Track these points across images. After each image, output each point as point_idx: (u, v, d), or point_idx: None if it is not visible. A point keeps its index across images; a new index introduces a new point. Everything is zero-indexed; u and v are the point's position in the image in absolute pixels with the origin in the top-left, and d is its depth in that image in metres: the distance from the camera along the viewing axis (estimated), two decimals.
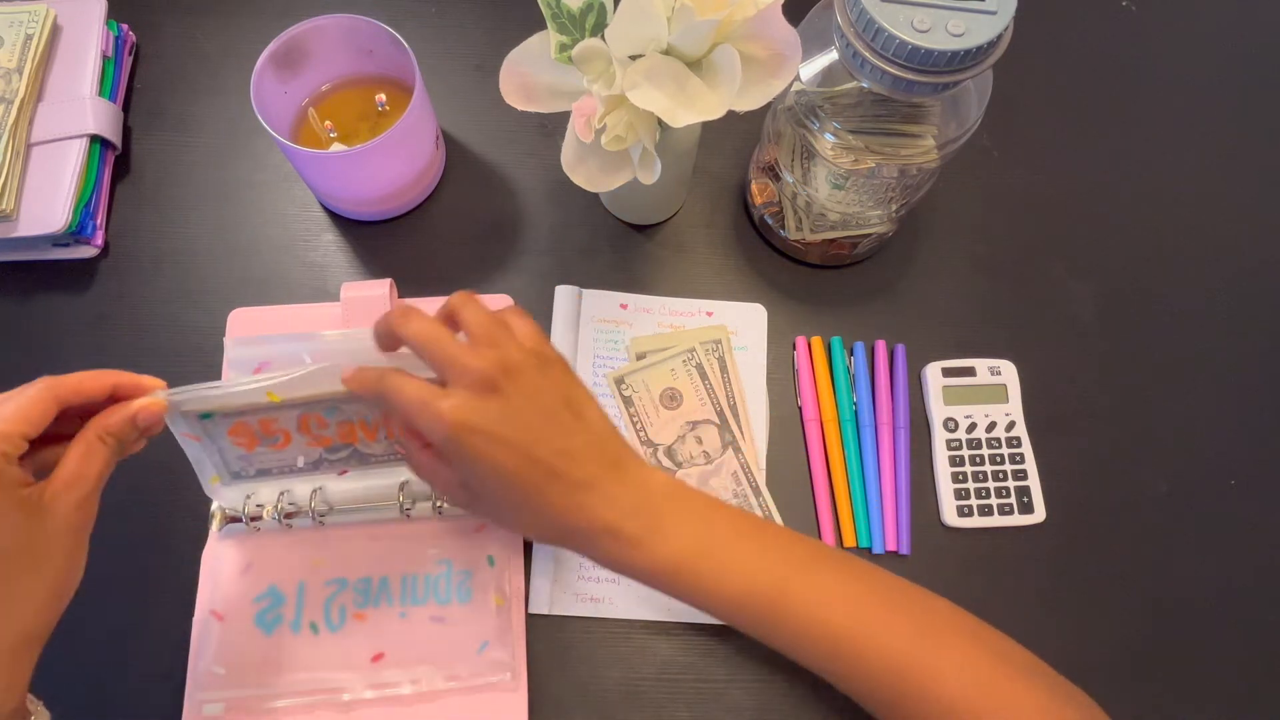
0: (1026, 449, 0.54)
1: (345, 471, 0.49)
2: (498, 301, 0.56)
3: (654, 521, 0.41)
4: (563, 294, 0.57)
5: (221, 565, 0.50)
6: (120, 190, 0.60)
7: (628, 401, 0.55)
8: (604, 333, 0.56)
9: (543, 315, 0.57)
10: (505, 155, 0.61)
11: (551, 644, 0.50)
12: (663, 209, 0.59)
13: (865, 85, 0.44)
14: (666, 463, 0.54)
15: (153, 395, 0.40)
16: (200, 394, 0.41)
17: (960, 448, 0.54)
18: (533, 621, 0.50)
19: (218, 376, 0.53)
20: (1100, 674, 0.45)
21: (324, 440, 0.46)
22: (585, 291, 0.57)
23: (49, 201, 0.55)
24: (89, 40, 0.59)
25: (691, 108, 0.42)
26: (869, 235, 0.55)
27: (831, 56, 0.45)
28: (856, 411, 0.55)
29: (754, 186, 0.58)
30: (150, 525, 0.51)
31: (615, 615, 0.50)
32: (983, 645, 0.41)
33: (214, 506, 0.50)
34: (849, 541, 0.52)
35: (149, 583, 0.50)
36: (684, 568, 0.41)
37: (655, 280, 0.58)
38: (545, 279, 0.58)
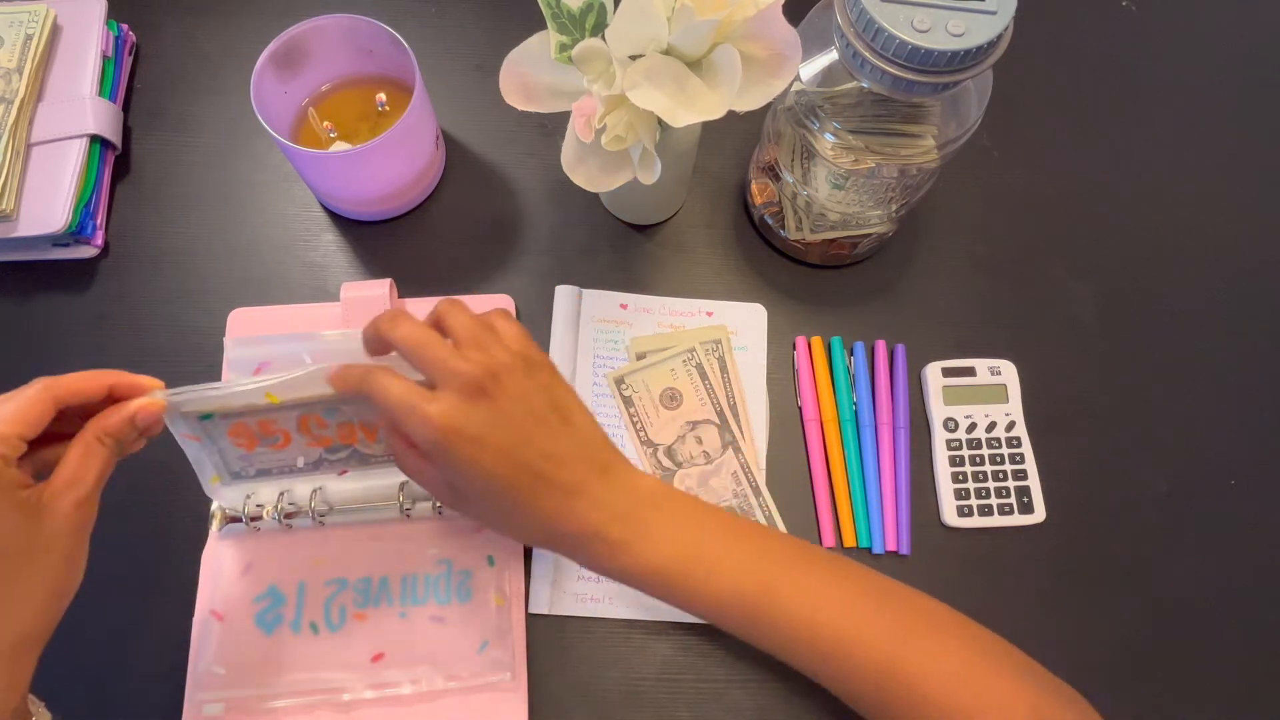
0: (1026, 449, 0.54)
1: (345, 472, 0.49)
2: (498, 301, 0.56)
3: (641, 525, 0.41)
4: (563, 294, 0.57)
5: (221, 565, 0.50)
6: (120, 190, 0.60)
7: (628, 401, 0.55)
8: (604, 333, 0.56)
9: (543, 315, 0.57)
10: (505, 155, 0.61)
11: (551, 644, 0.50)
12: (663, 209, 0.59)
13: (865, 85, 0.44)
14: (666, 463, 0.54)
15: (151, 395, 0.40)
16: (199, 395, 0.41)
17: (960, 448, 0.54)
18: (533, 621, 0.50)
19: (218, 376, 0.54)
20: (1100, 674, 0.45)
21: (324, 441, 0.46)
22: (585, 291, 0.57)
23: (49, 201, 0.55)
24: (89, 40, 0.59)
25: (691, 108, 0.42)
26: (869, 235, 0.55)
27: (831, 56, 0.45)
28: (856, 411, 0.55)
29: (754, 186, 0.58)
30: (150, 525, 0.51)
31: (615, 615, 0.50)
32: (971, 643, 0.41)
33: (214, 506, 0.50)
34: (849, 542, 0.52)
35: (149, 583, 0.50)
36: (671, 570, 0.41)
37: (655, 280, 0.58)
38: (545, 279, 0.57)
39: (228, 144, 0.61)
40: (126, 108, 0.61)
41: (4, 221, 0.54)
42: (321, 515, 0.49)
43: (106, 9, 0.61)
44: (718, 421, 0.54)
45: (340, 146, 0.56)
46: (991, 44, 0.40)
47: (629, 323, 0.57)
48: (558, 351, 0.55)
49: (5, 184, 0.54)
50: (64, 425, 0.38)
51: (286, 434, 0.45)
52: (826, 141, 0.48)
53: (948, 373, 0.56)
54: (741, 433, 0.54)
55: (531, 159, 0.61)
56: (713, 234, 0.60)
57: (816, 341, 0.57)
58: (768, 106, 0.50)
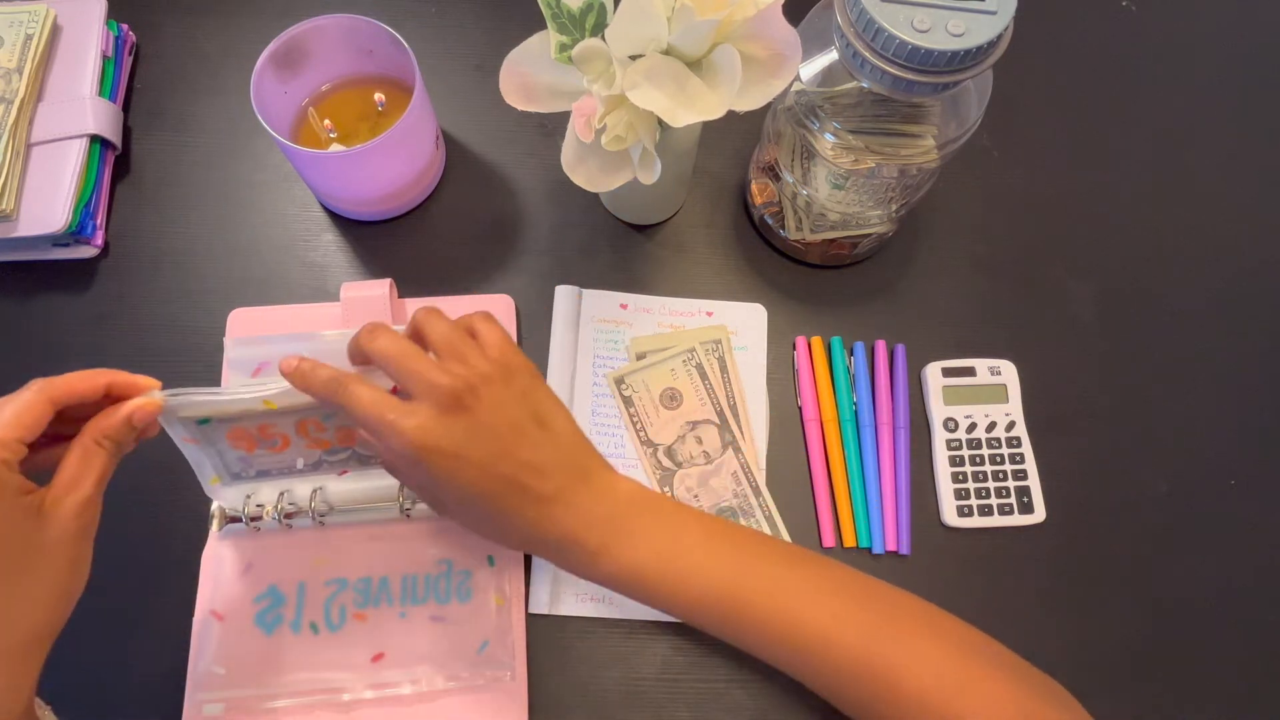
0: (1026, 449, 0.54)
1: (345, 472, 0.49)
2: (498, 302, 0.56)
3: (619, 529, 0.42)
4: (563, 294, 0.57)
5: (221, 565, 0.50)
6: (120, 190, 0.60)
7: (628, 401, 0.55)
8: (604, 333, 0.56)
9: (543, 315, 0.57)
10: (505, 155, 0.61)
11: (551, 644, 0.50)
12: (663, 209, 0.59)
13: (865, 85, 0.44)
14: (666, 463, 0.54)
15: (148, 395, 0.40)
16: (195, 399, 0.41)
17: (960, 448, 0.54)
18: (533, 621, 0.50)
19: (218, 376, 0.54)
20: (1100, 674, 0.45)
21: (323, 443, 0.46)
22: (585, 291, 0.57)
23: (49, 201, 0.55)
24: (89, 40, 0.59)
25: (691, 108, 0.42)
26: (869, 235, 0.55)
27: (831, 56, 0.45)
28: (856, 411, 0.55)
29: (754, 186, 0.58)
30: (150, 525, 0.51)
31: (615, 615, 0.50)
32: (954, 640, 0.41)
33: (214, 506, 0.50)
34: (849, 542, 0.52)
35: (149, 583, 0.50)
36: (648, 572, 0.41)
37: (655, 280, 0.58)
38: (545, 279, 0.57)
39: (228, 144, 0.61)
40: (126, 108, 0.61)
41: (4, 221, 0.54)
42: (321, 515, 0.49)
43: (106, 9, 0.61)
44: (718, 421, 0.54)
45: (340, 147, 0.56)
46: (991, 44, 0.40)
47: (629, 323, 0.57)
48: (557, 351, 0.55)
49: (5, 184, 0.54)
50: (63, 426, 0.38)
51: (285, 437, 0.45)
52: (826, 141, 0.48)
53: (948, 373, 0.56)
54: (741, 433, 0.54)
55: (531, 159, 0.61)
56: (713, 234, 0.60)
57: (816, 341, 0.57)
58: (768, 106, 0.50)
